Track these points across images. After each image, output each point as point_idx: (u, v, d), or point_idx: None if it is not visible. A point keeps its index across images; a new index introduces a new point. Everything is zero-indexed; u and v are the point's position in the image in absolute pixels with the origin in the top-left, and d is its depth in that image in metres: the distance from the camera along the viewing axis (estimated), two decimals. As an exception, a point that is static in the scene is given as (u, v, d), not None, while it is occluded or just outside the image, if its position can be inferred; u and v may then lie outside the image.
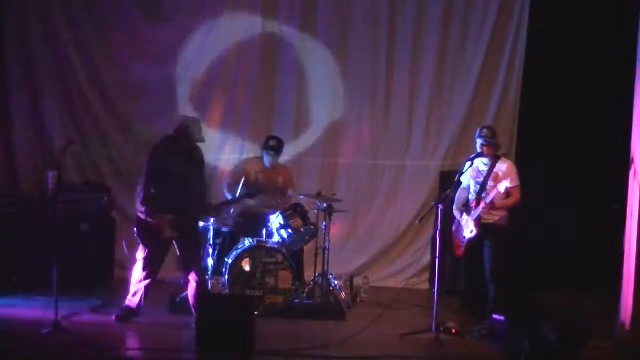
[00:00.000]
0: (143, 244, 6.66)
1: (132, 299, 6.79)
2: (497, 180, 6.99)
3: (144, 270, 6.71)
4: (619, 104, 7.32)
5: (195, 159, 6.70)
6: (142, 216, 6.55)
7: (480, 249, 7.06)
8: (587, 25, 8.33)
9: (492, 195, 6.87)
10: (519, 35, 8.68)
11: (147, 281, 6.73)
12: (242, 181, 7.50)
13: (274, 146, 7.90)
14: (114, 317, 6.77)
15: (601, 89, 8.29)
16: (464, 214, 7.14)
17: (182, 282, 7.00)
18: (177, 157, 6.56)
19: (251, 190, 7.44)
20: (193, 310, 6.64)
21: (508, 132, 8.69)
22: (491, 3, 8.72)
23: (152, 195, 6.48)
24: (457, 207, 7.24)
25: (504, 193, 6.83)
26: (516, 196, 6.99)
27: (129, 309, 6.80)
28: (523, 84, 8.73)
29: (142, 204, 6.49)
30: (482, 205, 6.93)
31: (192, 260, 6.80)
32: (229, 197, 7.90)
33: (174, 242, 6.70)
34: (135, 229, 6.69)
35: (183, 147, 6.59)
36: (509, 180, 6.79)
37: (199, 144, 6.70)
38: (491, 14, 8.72)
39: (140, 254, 6.74)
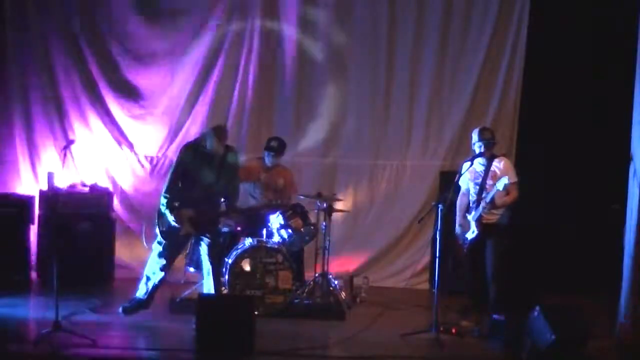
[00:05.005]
0: (161, 236, 6.77)
1: (141, 288, 6.87)
2: (496, 178, 6.99)
3: (158, 261, 6.79)
4: (619, 104, 7.32)
5: (225, 161, 6.82)
6: (162, 208, 6.68)
7: (482, 249, 7.06)
8: (587, 25, 8.33)
9: (491, 193, 6.87)
10: (519, 35, 8.67)
11: (161, 274, 6.80)
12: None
13: (274, 147, 7.92)
14: (120, 310, 6.82)
15: (601, 88, 8.28)
16: (466, 215, 7.14)
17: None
18: (206, 157, 6.74)
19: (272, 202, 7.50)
20: None
21: (508, 132, 8.68)
22: (491, 3, 8.70)
23: (177, 190, 6.67)
24: (461, 213, 7.23)
25: (503, 190, 6.83)
26: (514, 193, 6.98)
27: (138, 300, 6.86)
28: (523, 84, 8.72)
29: (164, 193, 6.70)
30: (482, 204, 6.93)
31: (214, 260, 6.88)
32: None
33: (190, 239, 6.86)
34: (156, 221, 6.81)
35: (210, 150, 6.75)
36: (507, 177, 6.79)
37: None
38: (491, 14, 8.70)
39: (157, 245, 6.81)
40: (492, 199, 6.89)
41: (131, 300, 6.89)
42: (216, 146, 6.69)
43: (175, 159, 7.02)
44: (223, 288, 7.15)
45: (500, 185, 6.75)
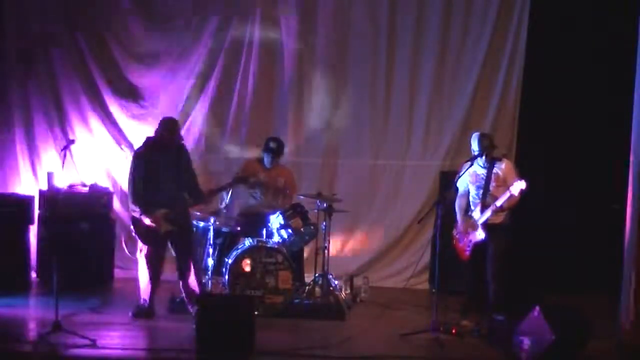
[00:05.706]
0: (142, 242, 6.81)
1: (145, 298, 6.91)
2: (499, 180, 6.98)
3: (147, 268, 6.84)
4: (619, 104, 7.32)
5: (180, 153, 6.91)
6: (137, 215, 6.71)
7: (483, 249, 7.05)
8: (587, 25, 8.33)
9: (503, 198, 6.83)
10: (519, 35, 8.66)
11: (153, 279, 6.84)
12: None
13: (274, 148, 7.93)
14: (130, 314, 6.87)
15: (601, 88, 8.28)
16: (469, 219, 7.12)
17: (178, 277, 7.03)
18: (163, 154, 6.77)
19: (243, 176, 7.56)
20: (189, 308, 6.82)
21: (508, 132, 8.68)
22: (491, 3, 8.70)
23: (144, 193, 6.68)
24: (461, 215, 7.21)
25: (518, 195, 6.80)
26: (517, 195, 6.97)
27: (141, 307, 6.91)
28: (523, 84, 8.72)
29: (134, 203, 6.71)
30: (492, 208, 6.89)
31: (188, 253, 6.93)
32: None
33: (170, 236, 6.82)
34: (132, 228, 6.85)
35: (167, 144, 6.79)
36: (522, 182, 6.75)
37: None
38: (491, 14, 8.70)
39: (141, 253, 6.84)
40: (502, 205, 6.86)
41: (138, 306, 6.93)
42: (167, 137, 6.77)
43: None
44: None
45: (515, 190, 6.73)
